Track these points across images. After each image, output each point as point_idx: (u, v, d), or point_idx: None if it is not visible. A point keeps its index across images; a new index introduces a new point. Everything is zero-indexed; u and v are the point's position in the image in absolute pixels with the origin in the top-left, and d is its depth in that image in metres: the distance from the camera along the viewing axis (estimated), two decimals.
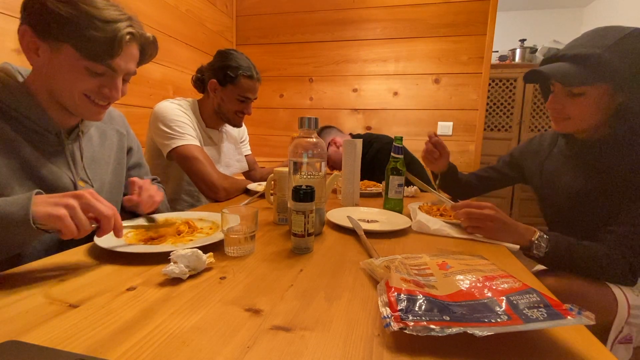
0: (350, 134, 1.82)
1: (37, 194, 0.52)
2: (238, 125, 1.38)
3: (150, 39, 0.75)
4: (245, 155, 1.59)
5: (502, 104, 3.23)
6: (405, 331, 0.36)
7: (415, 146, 1.85)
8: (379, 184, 1.42)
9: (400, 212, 1.01)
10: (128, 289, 0.49)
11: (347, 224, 0.83)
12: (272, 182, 0.94)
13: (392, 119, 2.38)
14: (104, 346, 0.36)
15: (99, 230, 0.55)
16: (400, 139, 1.02)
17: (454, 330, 0.35)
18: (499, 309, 0.39)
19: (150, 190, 0.83)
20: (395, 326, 0.36)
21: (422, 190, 1.34)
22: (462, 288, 0.44)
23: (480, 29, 2.15)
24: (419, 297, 0.40)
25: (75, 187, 0.73)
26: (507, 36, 3.55)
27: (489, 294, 0.41)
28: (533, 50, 3.36)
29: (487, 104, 3.18)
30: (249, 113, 1.34)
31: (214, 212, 0.86)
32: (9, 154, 0.63)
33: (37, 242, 0.66)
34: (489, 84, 3.06)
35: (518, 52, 3.36)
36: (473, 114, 2.24)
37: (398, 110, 2.37)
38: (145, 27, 0.73)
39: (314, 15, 2.43)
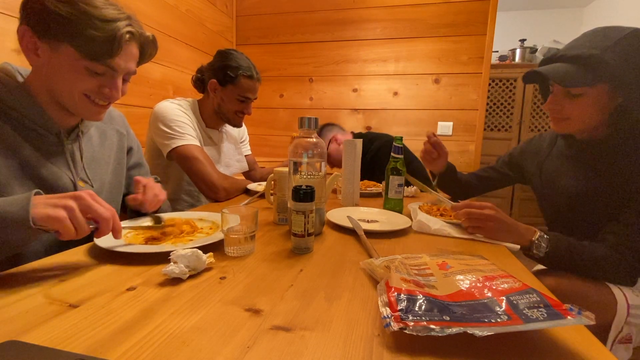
0: (352, 133, 1.82)
1: (36, 194, 0.52)
2: (238, 125, 1.38)
3: (149, 38, 0.75)
4: (245, 156, 1.59)
5: (502, 104, 3.23)
6: (405, 331, 0.36)
7: (415, 146, 1.84)
8: (379, 184, 1.42)
9: (400, 212, 1.01)
10: (128, 289, 0.49)
11: (347, 224, 0.83)
12: (272, 182, 0.94)
13: (392, 119, 2.38)
14: (104, 346, 0.36)
15: (97, 232, 0.55)
16: (400, 139, 1.03)
17: (454, 330, 0.35)
18: (499, 309, 0.39)
19: (155, 189, 0.83)
20: (395, 326, 0.36)
21: (421, 191, 1.34)
22: (462, 288, 0.44)
23: (480, 29, 2.15)
24: (419, 297, 0.40)
25: (75, 187, 0.73)
26: (507, 36, 3.55)
27: (489, 294, 0.41)
28: (533, 50, 3.36)
29: (487, 104, 3.18)
30: (249, 113, 1.34)
31: (214, 212, 0.86)
32: (9, 154, 0.63)
33: (37, 242, 0.66)
34: (489, 84, 3.06)
35: (518, 52, 3.36)
36: (473, 114, 2.24)
37: (398, 110, 2.37)
38: (145, 27, 0.73)
39: (314, 15, 2.43)
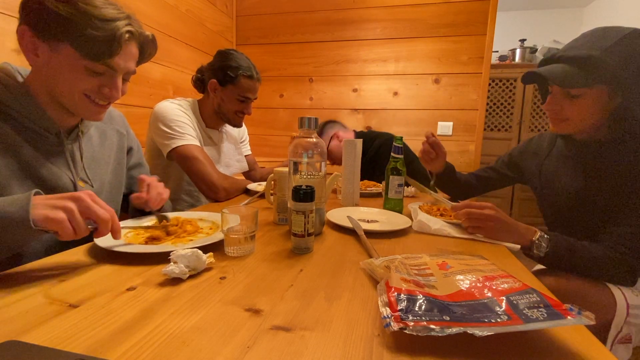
0: (354, 131, 1.83)
1: (35, 193, 0.52)
2: (238, 125, 1.38)
3: (149, 37, 0.75)
4: (245, 156, 1.59)
5: (502, 104, 3.23)
6: (405, 331, 0.36)
7: (415, 146, 1.84)
8: (379, 184, 1.42)
9: (400, 212, 1.01)
10: (128, 289, 0.49)
11: (347, 224, 0.83)
12: (272, 182, 0.94)
13: (392, 119, 2.38)
14: (104, 346, 0.36)
15: (96, 232, 0.55)
16: (400, 139, 1.03)
17: (454, 330, 0.35)
18: (499, 309, 0.39)
19: (158, 188, 0.83)
20: (395, 326, 0.36)
21: (421, 191, 1.34)
22: (462, 288, 0.44)
23: (480, 29, 2.15)
24: (419, 297, 0.40)
25: (75, 187, 0.73)
26: (507, 36, 3.55)
27: (489, 294, 0.41)
28: (533, 50, 3.36)
29: (487, 104, 3.18)
30: (249, 113, 1.34)
31: (214, 212, 0.86)
32: (9, 154, 0.63)
33: (37, 242, 0.66)
34: (489, 84, 3.06)
35: (518, 52, 3.36)
36: (473, 114, 2.24)
37: (398, 110, 2.37)
38: (145, 26, 0.73)
39: (314, 15, 2.43)
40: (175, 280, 0.53)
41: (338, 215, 0.92)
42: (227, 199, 1.18)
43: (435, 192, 1.18)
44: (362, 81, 2.40)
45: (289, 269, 0.59)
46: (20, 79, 0.68)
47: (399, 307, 0.39)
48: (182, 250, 0.54)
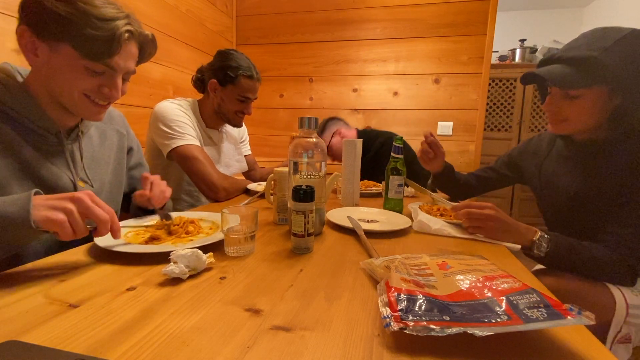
0: (356, 129, 1.83)
1: (35, 193, 0.52)
2: (238, 125, 1.38)
3: (149, 37, 0.75)
4: (245, 156, 1.59)
5: (502, 104, 3.23)
6: (405, 331, 0.36)
7: (415, 146, 1.85)
8: (379, 184, 1.42)
9: (400, 212, 1.01)
10: (128, 289, 0.49)
11: (347, 224, 0.83)
12: (272, 182, 0.94)
13: (392, 119, 2.38)
14: (104, 346, 0.36)
15: (95, 232, 0.55)
16: (401, 138, 1.03)
17: (454, 330, 0.35)
18: (499, 309, 0.39)
19: (161, 186, 0.83)
20: (395, 326, 0.36)
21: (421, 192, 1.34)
22: (462, 288, 0.44)
23: (480, 29, 2.15)
24: (419, 297, 0.40)
25: (75, 188, 0.73)
26: (507, 36, 3.55)
27: (489, 294, 0.41)
28: (533, 50, 3.36)
29: (487, 104, 3.18)
30: (249, 113, 1.34)
31: (214, 212, 0.86)
32: (9, 154, 0.63)
33: (37, 242, 0.66)
34: (489, 84, 3.06)
35: (518, 52, 3.36)
36: (473, 114, 2.24)
37: (398, 110, 2.37)
38: (145, 26, 0.73)
39: (314, 15, 2.43)
40: (175, 280, 0.53)
41: (338, 215, 0.92)
42: (227, 199, 1.18)
43: (435, 192, 1.18)
44: (362, 81, 2.41)
45: (289, 269, 0.59)
46: (20, 79, 0.68)
47: (399, 307, 0.39)
48: (182, 250, 0.54)
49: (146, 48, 0.76)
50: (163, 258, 0.57)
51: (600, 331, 0.79)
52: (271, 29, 2.52)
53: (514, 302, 0.39)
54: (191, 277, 0.54)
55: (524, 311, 0.38)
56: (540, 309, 0.38)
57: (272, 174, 0.90)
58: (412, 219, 0.89)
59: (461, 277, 0.46)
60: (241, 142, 1.59)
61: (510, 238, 0.76)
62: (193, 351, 0.36)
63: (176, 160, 1.19)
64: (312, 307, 0.46)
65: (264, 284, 0.53)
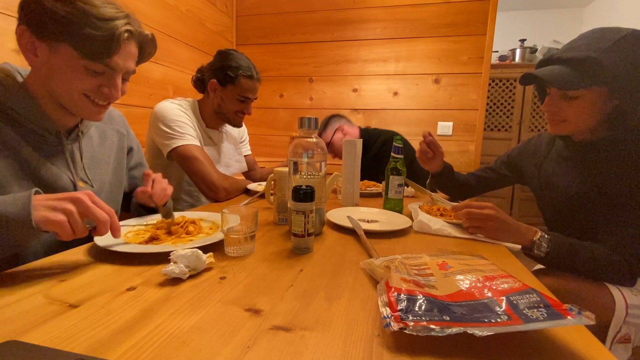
0: (359, 127, 1.83)
1: (35, 192, 0.52)
2: (238, 125, 1.38)
3: (148, 36, 0.75)
4: (245, 156, 1.59)
5: (502, 104, 3.23)
6: (405, 331, 0.36)
7: (415, 146, 1.85)
8: (379, 184, 1.42)
9: (400, 212, 1.01)
10: (128, 289, 0.49)
11: (347, 224, 0.83)
12: (272, 182, 0.94)
13: (392, 119, 2.38)
14: (104, 346, 0.36)
15: (94, 231, 0.55)
16: (401, 138, 1.03)
17: (454, 330, 0.35)
18: (499, 309, 0.39)
19: (163, 183, 0.84)
20: (395, 326, 0.36)
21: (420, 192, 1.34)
22: (462, 288, 0.44)
23: (480, 29, 2.15)
24: (419, 297, 0.40)
25: (75, 188, 0.73)
26: (507, 36, 3.55)
27: (489, 294, 0.41)
28: (533, 50, 3.36)
29: (487, 104, 3.18)
30: (249, 113, 1.34)
31: (214, 212, 0.86)
32: (9, 154, 0.63)
33: (37, 242, 0.66)
34: (489, 84, 3.06)
35: (518, 52, 3.36)
36: (473, 114, 2.24)
37: (398, 110, 2.37)
38: (144, 26, 0.73)
39: (314, 15, 2.43)
40: (175, 280, 0.53)
41: (338, 215, 0.92)
42: (227, 199, 1.18)
43: (435, 192, 1.18)
44: (362, 81, 2.41)
45: (289, 269, 0.59)
46: (20, 79, 0.68)
47: (399, 307, 0.39)
48: (182, 250, 0.54)
49: (146, 48, 0.76)
50: (163, 258, 0.57)
51: (600, 331, 0.79)
52: (271, 29, 2.52)
53: (514, 302, 0.39)
54: (191, 277, 0.54)
55: (524, 311, 0.38)
56: (540, 309, 0.38)
57: (272, 174, 0.90)
58: (412, 219, 0.89)
59: (461, 277, 0.46)
60: (241, 142, 1.59)
61: (511, 238, 0.76)
62: (193, 351, 0.36)
63: (176, 160, 1.19)
64: (312, 307, 0.46)
65: (264, 284, 0.53)
